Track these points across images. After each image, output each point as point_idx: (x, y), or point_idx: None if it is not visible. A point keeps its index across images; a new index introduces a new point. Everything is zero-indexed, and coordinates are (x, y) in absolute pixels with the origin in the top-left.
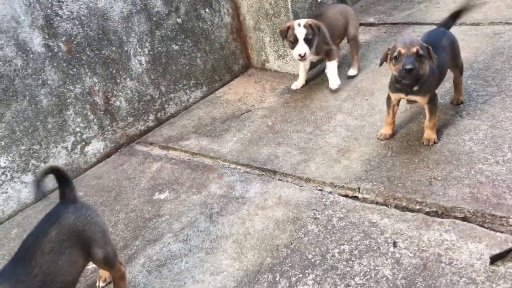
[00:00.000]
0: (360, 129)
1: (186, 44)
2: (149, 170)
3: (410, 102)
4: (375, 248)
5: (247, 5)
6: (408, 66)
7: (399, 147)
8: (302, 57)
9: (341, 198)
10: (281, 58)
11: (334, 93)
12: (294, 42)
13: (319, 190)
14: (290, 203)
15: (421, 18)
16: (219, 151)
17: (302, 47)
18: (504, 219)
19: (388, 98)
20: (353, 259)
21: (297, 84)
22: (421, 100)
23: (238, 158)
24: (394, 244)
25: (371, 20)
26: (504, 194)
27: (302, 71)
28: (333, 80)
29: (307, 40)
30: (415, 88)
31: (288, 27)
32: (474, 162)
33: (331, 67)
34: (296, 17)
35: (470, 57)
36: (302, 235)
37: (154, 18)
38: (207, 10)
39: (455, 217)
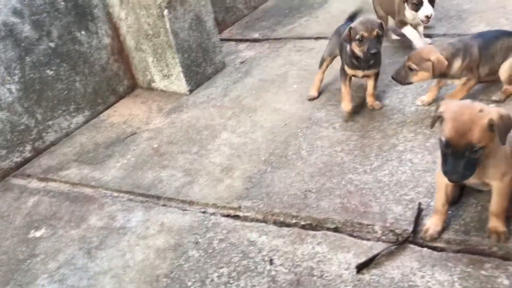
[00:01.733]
0: (243, 146)
1: (62, 68)
2: (25, 206)
3: (363, 76)
4: (252, 268)
5: (126, 26)
6: (373, 51)
7: (278, 162)
8: (429, 19)
9: (223, 218)
10: (166, 77)
11: (219, 111)
12: (418, 4)
13: (202, 212)
14: (173, 229)
15: (302, 32)
16: (101, 180)
17: (428, 8)
18: (370, 226)
19: (344, 74)
20: (231, 281)
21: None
22: (373, 72)
23: (120, 186)
24: (271, 262)
25: (256, 35)
26: (370, 202)
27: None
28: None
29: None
30: (371, 62)
31: None
32: (345, 172)
33: None
34: (176, 37)
35: None
36: (183, 262)
37: (23, 44)
38: (83, 32)
39: (327, 229)
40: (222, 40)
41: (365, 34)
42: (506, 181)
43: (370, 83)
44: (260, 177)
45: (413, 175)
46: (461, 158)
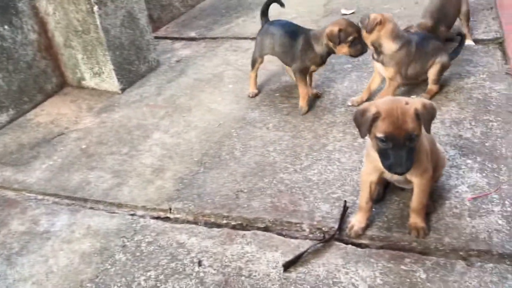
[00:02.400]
0: (176, 147)
1: None
2: None
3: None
4: (180, 270)
5: (54, 21)
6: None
7: (211, 163)
8: None
9: (152, 221)
10: (97, 75)
11: (152, 111)
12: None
13: (131, 215)
14: (99, 232)
15: (239, 32)
16: (24, 182)
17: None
18: (298, 225)
19: (303, 73)
20: (158, 284)
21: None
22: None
23: (45, 188)
24: (199, 263)
25: (193, 34)
26: (299, 200)
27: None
28: None
29: None
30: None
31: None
32: (276, 172)
33: None
34: (107, 33)
35: (279, 70)
36: (109, 266)
37: None
38: (6, 27)
39: (258, 228)
40: (157, 38)
41: (357, 35)
42: (426, 177)
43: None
44: (192, 178)
45: (340, 174)
46: (402, 149)
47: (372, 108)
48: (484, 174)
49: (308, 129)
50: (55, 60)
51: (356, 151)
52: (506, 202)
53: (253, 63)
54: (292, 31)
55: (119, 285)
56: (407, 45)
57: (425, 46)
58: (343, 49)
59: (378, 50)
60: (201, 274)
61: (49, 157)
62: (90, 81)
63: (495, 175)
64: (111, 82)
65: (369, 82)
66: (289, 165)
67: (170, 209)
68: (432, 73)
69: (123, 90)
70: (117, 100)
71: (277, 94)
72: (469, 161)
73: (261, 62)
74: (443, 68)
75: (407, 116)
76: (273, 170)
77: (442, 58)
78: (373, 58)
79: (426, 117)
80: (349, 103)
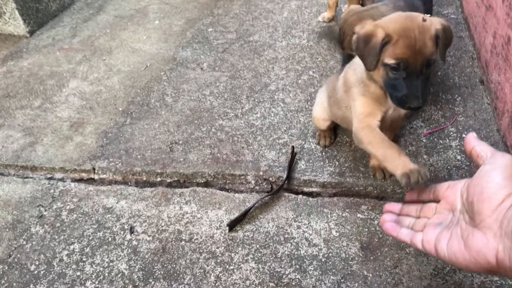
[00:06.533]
0: (97, 95)
1: None
2: None
3: None
4: (110, 239)
5: None
6: None
7: (139, 112)
8: None
9: (73, 184)
10: None
11: (67, 55)
12: None
13: (48, 179)
14: (10, 203)
15: None
16: None
17: None
18: (242, 177)
19: None
20: (84, 259)
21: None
22: None
23: None
24: (131, 230)
25: None
26: (242, 149)
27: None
28: None
29: None
30: None
31: None
32: (215, 118)
33: None
34: None
35: (210, 2)
36: (24, 242)
37: None
38: None
39: (197, 184)
40: None
41: None
42: None
43: None
44: (118, 131)
45: (286, 117)
46: (417, 78)
47: (379, 31)
48: (438, 106)
49: (247, 67)
50: None
51: (301, 89)
52: (464, 135)
53: None
54: None
55: (37, 263)
56: None
57: None
58: None
59: None
60: (134, 243)
61: None
62: None
63: (450, 106)
64: (15, 24)
65: None
66: (229, 110)
67: (94, 169)
68: None
69: (31, 33)
70: (25, 45)
71: (210, 29)
72: None
73: None
74: None
75: (427, 37)
76: (211, 117)
77: None
78: None
79: (444, 41)
80: (320, 19)
